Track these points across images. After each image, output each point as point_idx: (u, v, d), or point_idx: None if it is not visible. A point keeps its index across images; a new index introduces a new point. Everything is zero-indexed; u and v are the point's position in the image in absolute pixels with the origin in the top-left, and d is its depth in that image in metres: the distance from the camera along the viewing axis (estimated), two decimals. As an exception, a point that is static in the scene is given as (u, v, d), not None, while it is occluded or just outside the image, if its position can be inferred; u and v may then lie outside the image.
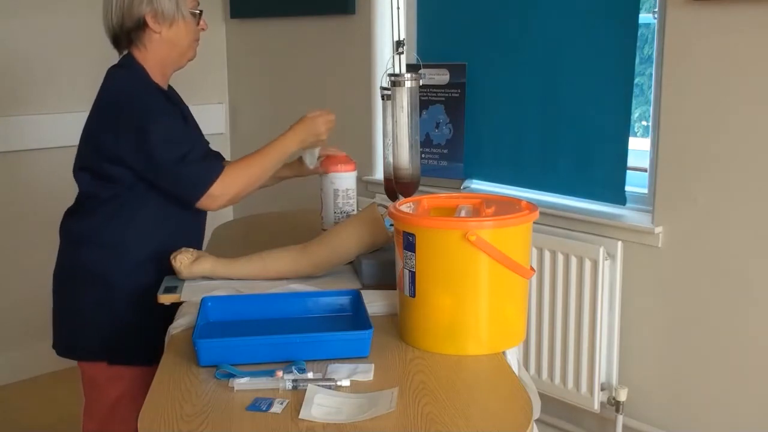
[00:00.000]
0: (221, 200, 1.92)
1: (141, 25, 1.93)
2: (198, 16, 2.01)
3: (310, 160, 2.16)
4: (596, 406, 2.57)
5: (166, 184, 1.91)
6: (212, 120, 3.91)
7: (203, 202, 1.91)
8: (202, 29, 2.04)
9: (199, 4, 2.03)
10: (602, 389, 2.57)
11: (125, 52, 1.99)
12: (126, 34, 1.95)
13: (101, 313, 1.96)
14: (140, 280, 1.95)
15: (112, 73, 1.98)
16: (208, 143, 2.12)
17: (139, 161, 1.88)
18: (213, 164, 1.94)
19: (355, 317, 1.65)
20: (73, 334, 2.02)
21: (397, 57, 2.02)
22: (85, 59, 3.32)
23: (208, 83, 3.90)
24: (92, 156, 1.93)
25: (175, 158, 1.87)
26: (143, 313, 1.93)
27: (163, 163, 1.87)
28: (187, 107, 2.12)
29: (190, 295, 1.79)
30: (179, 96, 2.13)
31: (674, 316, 2.44)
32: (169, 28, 1.95)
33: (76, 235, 2.00)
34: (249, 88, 3.86)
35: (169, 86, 2.08)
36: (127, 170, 1.90)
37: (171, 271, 1.87)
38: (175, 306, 1.79)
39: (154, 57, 1.96)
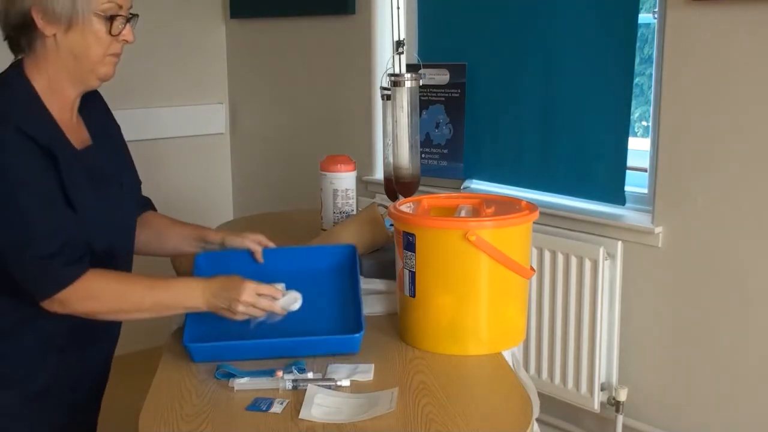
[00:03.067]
0: (70, 309, 1.46)
1: (29, 24, 1.46)
2: (112, 21, 1.48)
3: None
4: (596, 406, 2.57)
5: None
6: (212, 120, 3.91)
7: (49, 305, 1.46)
8: (126, 41, 1.52)
9: (122, 8, 1.50)
10: (602, 389, 2.57)
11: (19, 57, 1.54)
12: (15, 33, 1.50)
13: None
14: None
15: None
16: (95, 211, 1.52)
17: None
18: (68, 267, 1.44)
19: (351, 275, 1.70)
20: None
21: (397, 57, 2.02)
22: None
23: (208, 83, 3.90)
24: None
25: (14, 245, 1.43)
26: None
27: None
28: (109, 136, 1.66)
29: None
30: (103, 118, 1.67)
31: (674, 316, 2.44)
32: (66, 33, 1.46)
33: None
34: (249, 88, 3.86)
35: (90, 99, 1.63)
36: None
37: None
38: None
39: (49, 70, 1.50)
